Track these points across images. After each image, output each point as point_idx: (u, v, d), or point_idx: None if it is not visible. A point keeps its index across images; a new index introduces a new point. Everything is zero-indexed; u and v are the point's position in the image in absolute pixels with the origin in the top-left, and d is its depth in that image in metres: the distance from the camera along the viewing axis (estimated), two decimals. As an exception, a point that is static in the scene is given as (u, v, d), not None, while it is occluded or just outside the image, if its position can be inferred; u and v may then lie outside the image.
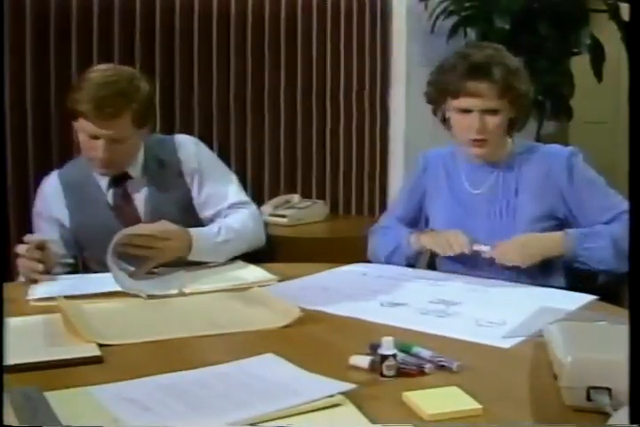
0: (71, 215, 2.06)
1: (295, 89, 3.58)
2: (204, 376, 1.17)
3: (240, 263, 1.99)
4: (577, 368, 1.06)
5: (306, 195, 3.58)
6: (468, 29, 3.62)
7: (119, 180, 2.05)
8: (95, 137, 1.91)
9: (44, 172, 2.94)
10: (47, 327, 1.45)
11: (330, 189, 3.75)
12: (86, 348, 1.32)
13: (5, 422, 0.93)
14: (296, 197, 3.46)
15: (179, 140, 2.13)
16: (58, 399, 1.06)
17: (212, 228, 1.98)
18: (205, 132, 3.23)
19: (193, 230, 1.90)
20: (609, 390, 1.03)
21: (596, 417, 1.01)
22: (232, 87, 3.38)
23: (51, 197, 2.08)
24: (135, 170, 2.05)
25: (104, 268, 1.74)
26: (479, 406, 1.05)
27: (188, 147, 2.12)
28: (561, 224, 1.88)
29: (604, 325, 1.37)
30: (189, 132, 2.58)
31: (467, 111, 1.85)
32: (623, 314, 1.38)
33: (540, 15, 3.47)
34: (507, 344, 1.36)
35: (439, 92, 1.90)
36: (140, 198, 2.05)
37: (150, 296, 1.68)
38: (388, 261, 2.03)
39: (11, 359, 1.09)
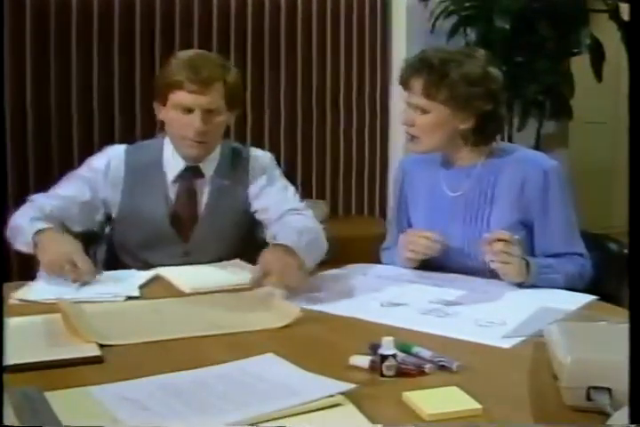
0: (123, 199, 2.04)
1: (295, 89, 3.59)
2: (204, 376, 1.17)
3: (240, 263, 1.99)
4: (577, 368, 1.06)
5: (306, 195, 3.58)
6: (468, 29, 3.61)
7: (189, 175, 2.04)
8: (189, 110, 1.93)
9: (44, 171, 2.96)
10: (47, 327, 1.45)
11: (330, 189, 3.75)
12: (86, 348, 1.32)
13: (5, 423, 0.93)
14: (296, 197, 3.46)
15: (254, 153, 2.13)
16: (58, 399, 1.06)
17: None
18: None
19: None
20: (609, 390, 1.03)
21: (596, 417, 1.01)
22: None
23: (106, 173, 2.04)
24: (207, 167, 2.05)
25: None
26: (479, 406, 1.05)
27: (262, 161, 2.11)
28: (530, 233, 1.87)
29: (604, 325, 1.37)
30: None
31: (407, 104, 1.90)
32: (623, 314, 1.39)
33: (540, 15, 3.46)
34: (507, 344, 1.36)
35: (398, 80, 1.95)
36: (203, 198, 2.05)
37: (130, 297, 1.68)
38: None
39: (11, 359, 1.08)
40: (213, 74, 1.93)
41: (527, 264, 1.74)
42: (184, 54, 2.02)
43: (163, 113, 2.00)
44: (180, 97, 1.92)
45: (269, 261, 1.67)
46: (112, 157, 2.06)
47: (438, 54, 1.86)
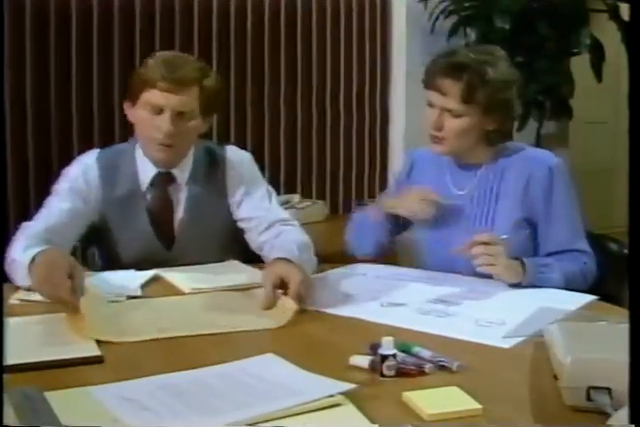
0: (101, 208, 1.96)
1: (295, 89, 3.58)
2: (204, 376, 1.17)
3: (238, 264, 1.99)
4: (577, 368, 1.06)
5: (306, 195, 3.58)
6: (468, 29, 3.61)
7: (161, 181, 1.98)
8: (160, 110, 1.84)
9: (43, 172, 2.96)
10: (47, 327, 1.45)
11: (330, 189, 3.75)
12: (86, 348, 1.32)
13: (5, 423, 0.93)
14: (296, 197, 3.46)
15: (231, 155, 2.05)
16: (58, 399, 1.06)
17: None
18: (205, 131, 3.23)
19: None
20: (609, 390, 1.03)
21: (596, 417, 1.01)
22: (232, 87, 3.38)
23: (84, 180, 1.96)
24: (181, 173, 1.98)
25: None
26: (479, 406, 1.05)
27: (240, 165, 2.05)
28: (534, 231, 1.87)
29: (604, 325, 1.37)
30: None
31: (431, 106, 1.85)
32: (623, 314, 1.39)
33: (540, 15, 3.46)
34: (507, 344, 1.36)
35: (424, 82, 1.89)
36: (180, 205, 1.99)
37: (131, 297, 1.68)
38: (360, 247, 2.05)
39: (11, 359, 1.09)
40: (189, 75, 1.86)
41: (523, 264, 1.74)
42: (162, 54, 1.95)
43: (132, 113, 1.92)
44: (151, 96, 1.84)
45: (279, 275, 1.61)
46: (85, 165, 1.98)
47: (470, 55, 1.81)
